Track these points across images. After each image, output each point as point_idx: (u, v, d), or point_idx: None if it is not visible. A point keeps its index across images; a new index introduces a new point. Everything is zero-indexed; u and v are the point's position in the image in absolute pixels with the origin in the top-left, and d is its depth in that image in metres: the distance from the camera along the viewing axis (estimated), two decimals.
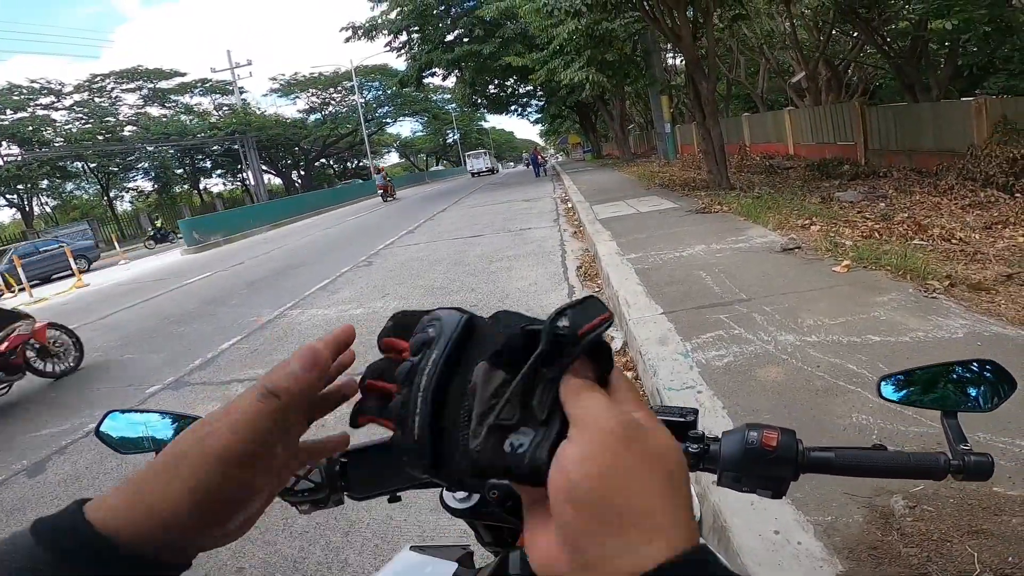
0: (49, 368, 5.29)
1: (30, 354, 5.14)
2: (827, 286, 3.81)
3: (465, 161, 53.37)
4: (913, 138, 9.94)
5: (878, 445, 0.65)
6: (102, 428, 0.73)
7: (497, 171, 49.11)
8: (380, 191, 26.25)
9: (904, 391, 0.71)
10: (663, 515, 0.27)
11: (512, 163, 73.01)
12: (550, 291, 5.39)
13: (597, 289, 5.23)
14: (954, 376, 0.70)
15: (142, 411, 0.75)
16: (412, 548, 0.77)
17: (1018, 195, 6.66)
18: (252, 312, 6.63)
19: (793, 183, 9.78)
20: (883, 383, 0.72)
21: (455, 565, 0.71)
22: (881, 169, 10.04)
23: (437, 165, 69.08)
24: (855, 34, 13.62)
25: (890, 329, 2.98)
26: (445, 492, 0.76)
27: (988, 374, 0.68)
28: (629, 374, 3.31)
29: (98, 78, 33.38)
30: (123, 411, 0.75)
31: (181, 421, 0.77)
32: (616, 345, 3.77)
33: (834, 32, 14.21)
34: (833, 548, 1.60)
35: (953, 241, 4.76)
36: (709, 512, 1.90)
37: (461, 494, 0.75)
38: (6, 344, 4.80)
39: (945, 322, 2.99)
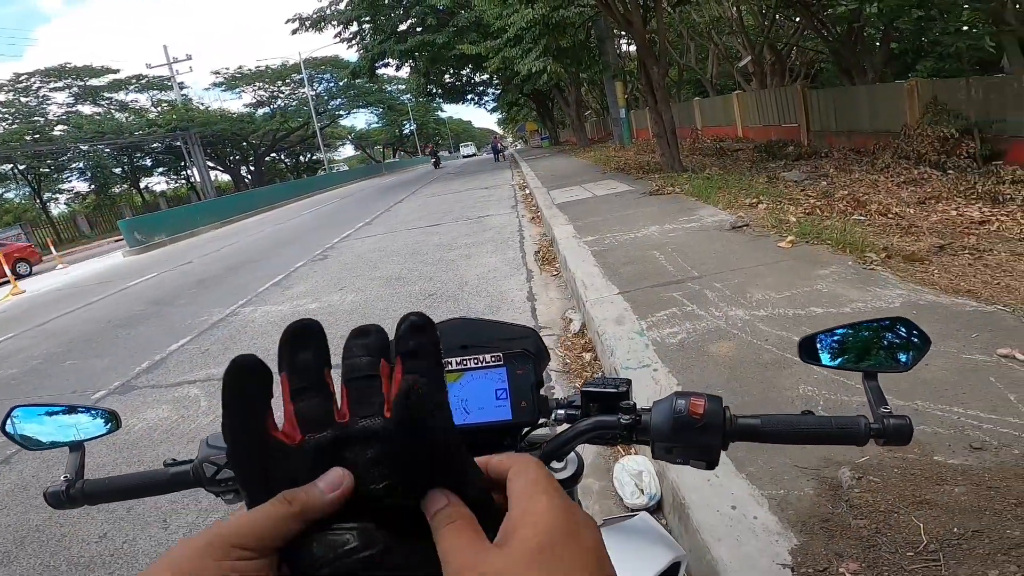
0: None
1: None
2: (773, 261, 3.94)
3: (421, 151, 64.25)
4: (851, 120, 10.30)
5: (807, 411, 0.64)
6: (7, 424, 0.69)
7: (471, 156, 55.35)
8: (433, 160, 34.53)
9: (824, 353, 0.70)
10: None
11: (436, 158, 72.97)
12: (509, 276, 5.39)
13: (555, 273, 5.26)
14: (873, 336, 0.69)
15: (50, 406, 0.71)
16: None
17: (950, 172, 6.98)
18: (202, 312, 6.40)
19: (742, 164, 10.04)
20: (803, 343, 0.70)
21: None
22: (823, 149, 10.41)
23: (394, 157, 67.70)
24: (797, 19, 13.98)
25: (832, 301, 3.10)
26: None
27: (905, 333, 0.68)
28: (588, 355, 3.36)
29: (23, 77, 31.61)
30: (29, 406, 0.71)
31: (95, 414, 0.74)
32: (575, 327, 3.81)
33: (777, 17, 14.57)
34: (787, 522, 1.63)
35: (889, 216, 4.97)
36: (668, 490, 1.94)
37: None
38: None
39: (883, 292, 3.13)
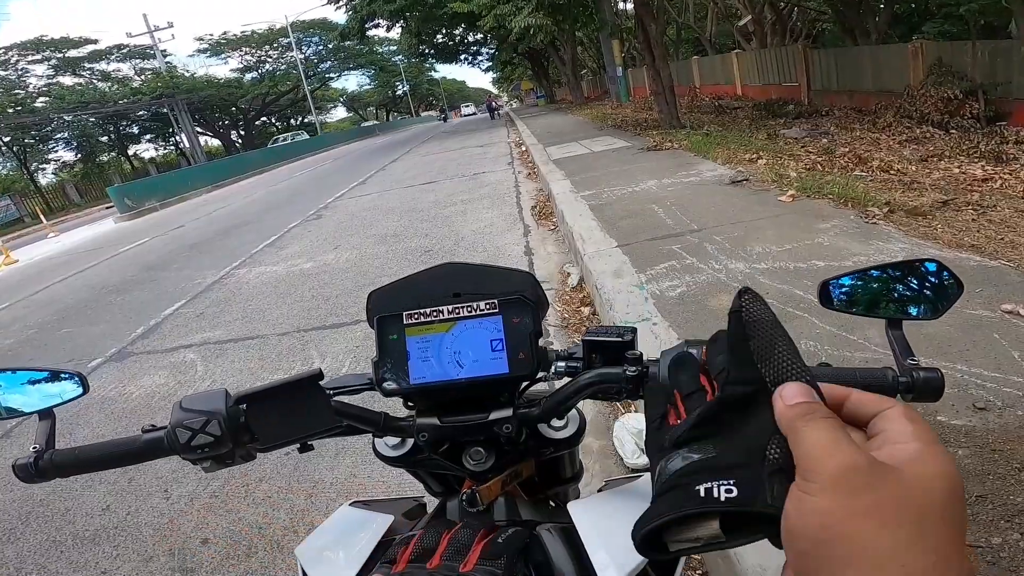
0: None
1: None
2: (773, 215, 3.89)
3: (415, 113, 68.34)
4: (853, 79, 10.17)
5: (823, 364, 0.59)
6: None
7: (471, 115, 56.44)
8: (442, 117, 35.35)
9: (845, 297, 0.65)
10: (904, 564, 0.23)
11: (444, 116, 72.89)
12: (505, 232, 5.36)
13: (552, 227, 5.20)
14: (899, 280, 0.64)
15: (7, 370, 0.67)
16: (352, 504, 0.72)
17: (953, 131, 6.95)
18: (196, 275, 6.33)
19: (741, 122, 9.92)
20: (823, 291, 0.65)
21: (391, 517, 0.67)
22: (823, 108, 10.30)
23: (387, 119, 66.37)
24: None
25: (834, 254, 3.07)
26: (377, 440, 0.70)
27: (934, 278, 0.62)
28: (586, 309, 3.33)
29: None
30: None
31: (61, 377, 0.69)
32: (573, 280, 3.77)
33: None
34: None
35: (891, 172, 4.92)
36: None
37: (393, 441, 0.70)
38: None
39: (886, 246, 3.10)
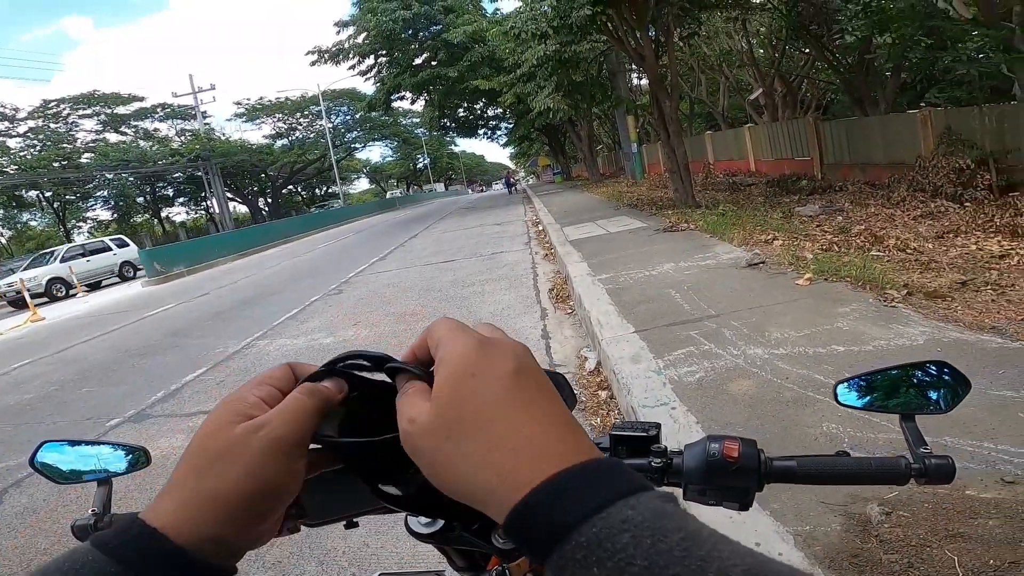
0: None
1: None
2: (791, 299, 3.90)
3: (446, 185, 78.33)
4: (865, 151, 10.29)
5: (842, 452, 0.64)
6: (37, 458, 0.70)
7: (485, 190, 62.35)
8: (508, 184, 38.37)
9: (860, 396, 0.70)
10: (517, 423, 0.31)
11: (482, 188, 76.40)
12: (523, 314, 5.37)
13: (569, 311, 5.24)
14: (910, 379, 0.69)
15: (79, 442, 0.72)
16: (381, 575, 0.75)
17: (967, 204, 6.91)
18: (218, 343, 6.44)
19: (755, 199, 10.04)
20: (839, 388, 0.70)
21: None
22: (837, 183, 10.37)
23: (408, 191, 68.66)
24: (807, 50, 14.10)
25: (853, 339, 3.06)
26: (409, 518, 0.74)
27: (944, 376, 0.68)
28: (604, 393, 3.32)
29: (52, 103, 32.25)
30: (58, 441, 0.72)
31: (124, 450, 0.74)
32: (590, 364, 3.78)
33: (788, 48, 14.73)
34: (814, 558, 1.60)
35: (908, 251, 4.93)
36: None
37: (425, 519, 0.72)
38: None
39: (905, 330, 3.08)
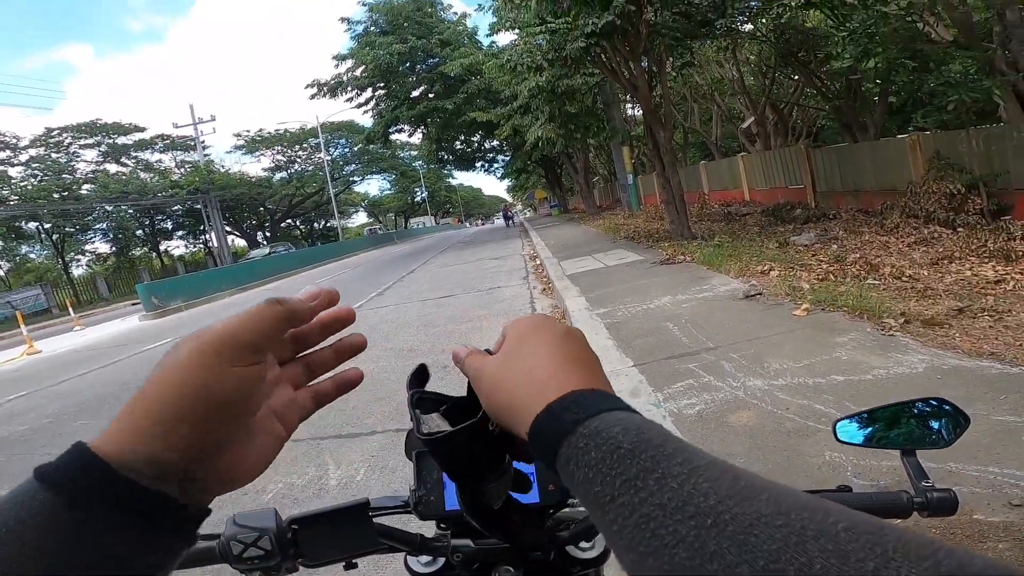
0: None
1: None
2: (789, 330, 3.91)
3: (437, 220, 75.22)
4: (856, 178, 10.34)
5: (842, 487, 0.65)
6: None
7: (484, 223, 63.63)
8: (506, 217, 40.35)
9: (860, 433, 0.71)
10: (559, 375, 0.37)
11: (480, 221, 76.98)
12: None
13: None
14: (909, 414, 0.71)
15: None
16: None
17: (959, 229, 6.89)
18: None
19: (751, 229, 10.10)
20: (839, 425, 0.72)
21: None
22: (830, 211, 10.39)
23: (405, 226, 67.39)
24: (796, 77, 14.15)
25: (853, 368, 3.06)
26: (409, 557, 0.75)
27: (944, 410, 0.69)
28: None
29: (55, 132, 32.06)
30: None
31: None
32: None
33: (777, 76, 14.87)
34: None
35: (903, 279, 4.95)
36: None
37: (425, 558, 0.74)
38: None
39: (904, 358, 3.09)
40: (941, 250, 6.08)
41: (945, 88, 7.42)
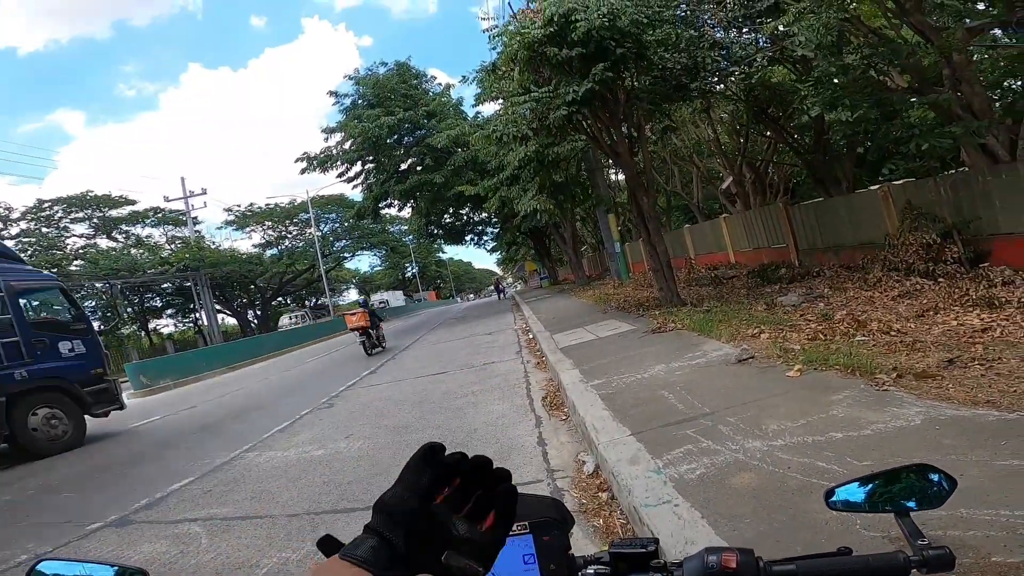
0: None
1: None
2: (784, 391, 3.91)
3: (409, 294, 68.78)
4: (835, 234, 10.51)
5: (843, 548, 0.66)
6: None
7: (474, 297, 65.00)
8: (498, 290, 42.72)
9: (852, 500, 0.74)
10: None
11: (472, 295, 77.55)
12: (517, 423, 5.26)
13: (564, 418, 5.14)
14: (898, 480, 0.73)
15: (79, 560, 0.73)
16: None
17: (940, 279, 6.95)
18: (205, 455, 6.25)
19: (738, 291, 10.21)
20: (830, 497, 0.74)
21: None
22: (814, 268, 10.53)
23: (398, 301, 66.24)
24: (768, 134, 14.30)
25: (851, 424, 3.05)
26: None
27: (930, 475, 0.72)
28: (604, 495, 3.23)
29: (46, 204, 31.80)
30: (56, 559, 0.72)
31: (122, 570, 0.74)
32: (588, 468, 3.69)
33: (751, 133, 15.15)
34: None
35: (892, 333, 5.00)
36: None
37: None
38: None
39: (901, 411, 3.09)
40: (925, 302, 6.16)
41: (912, 137, 7.64)
